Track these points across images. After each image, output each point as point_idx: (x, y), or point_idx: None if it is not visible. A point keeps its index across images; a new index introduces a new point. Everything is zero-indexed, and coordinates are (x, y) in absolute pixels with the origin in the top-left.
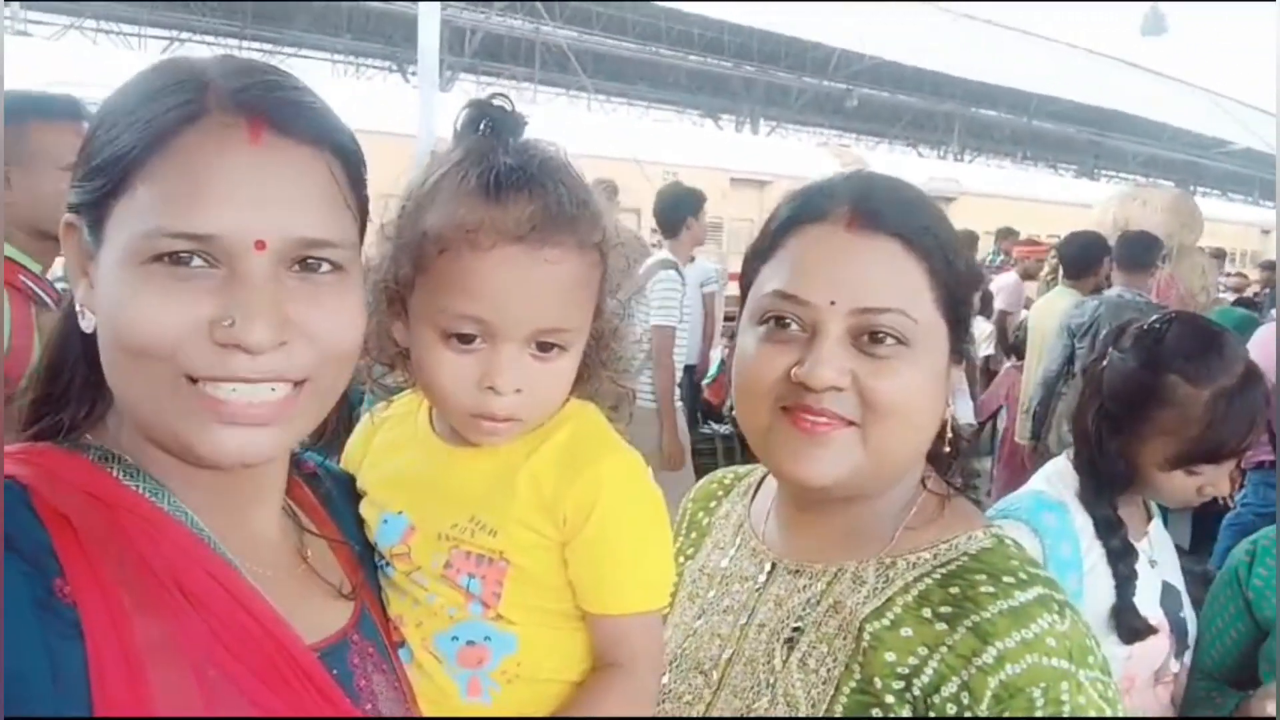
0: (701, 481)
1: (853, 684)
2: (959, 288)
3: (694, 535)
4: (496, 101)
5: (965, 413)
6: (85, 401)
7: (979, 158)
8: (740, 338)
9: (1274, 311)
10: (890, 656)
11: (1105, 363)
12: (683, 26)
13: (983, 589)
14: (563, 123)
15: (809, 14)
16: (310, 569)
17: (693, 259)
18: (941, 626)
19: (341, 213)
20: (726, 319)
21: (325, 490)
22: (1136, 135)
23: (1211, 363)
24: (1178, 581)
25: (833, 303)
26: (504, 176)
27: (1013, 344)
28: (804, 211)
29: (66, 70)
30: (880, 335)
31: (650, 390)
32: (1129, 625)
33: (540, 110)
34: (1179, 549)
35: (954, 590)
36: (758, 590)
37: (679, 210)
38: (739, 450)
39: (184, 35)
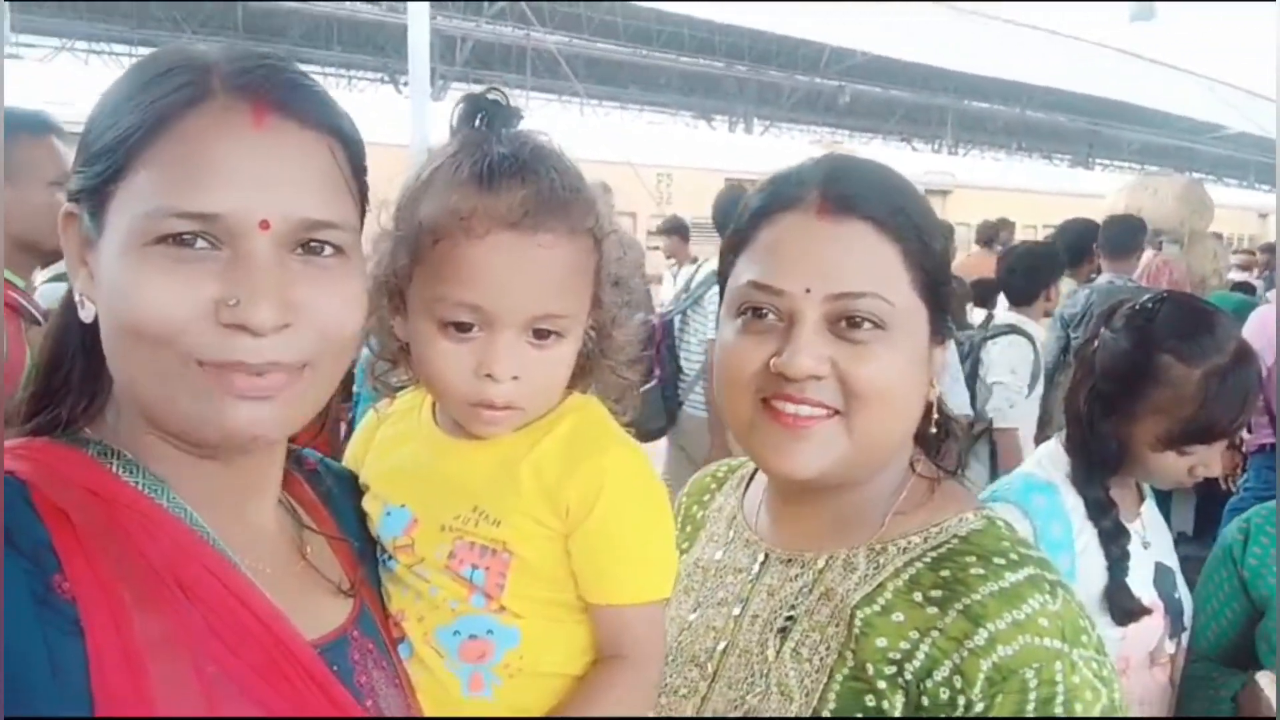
0: (696, 475)
1: (845, 671)
2: (936, 269)
3: (689, 529)
4: (491, 96)
5: (962, 405)
6: (84, 394)
7: (973, 150)
8: (720, 331)
9: (1269, 295)
10: (882, 642)
11: (1097, 343)
12: (673, 28)
13: (973, 571)
14: (556, 128)
15: (799, 12)
16: (309, 565)
17: None
18: (932, 610)
19: (344, 196)
20: None
21: (326, 488)
22: (1130, 123)
23: (1203, 341)
24: (1172, 562)
25: (808, 290)
26: (497, 164)
27: None
28: (775, 200)
29: (58, 91)
30: (857, 320)
31: (705, 401)
32: (1122, 606)
33: (533, 116)
34: (1182, 534)
35: (944, 573)
36: (751, 581)
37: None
38: None
39: None
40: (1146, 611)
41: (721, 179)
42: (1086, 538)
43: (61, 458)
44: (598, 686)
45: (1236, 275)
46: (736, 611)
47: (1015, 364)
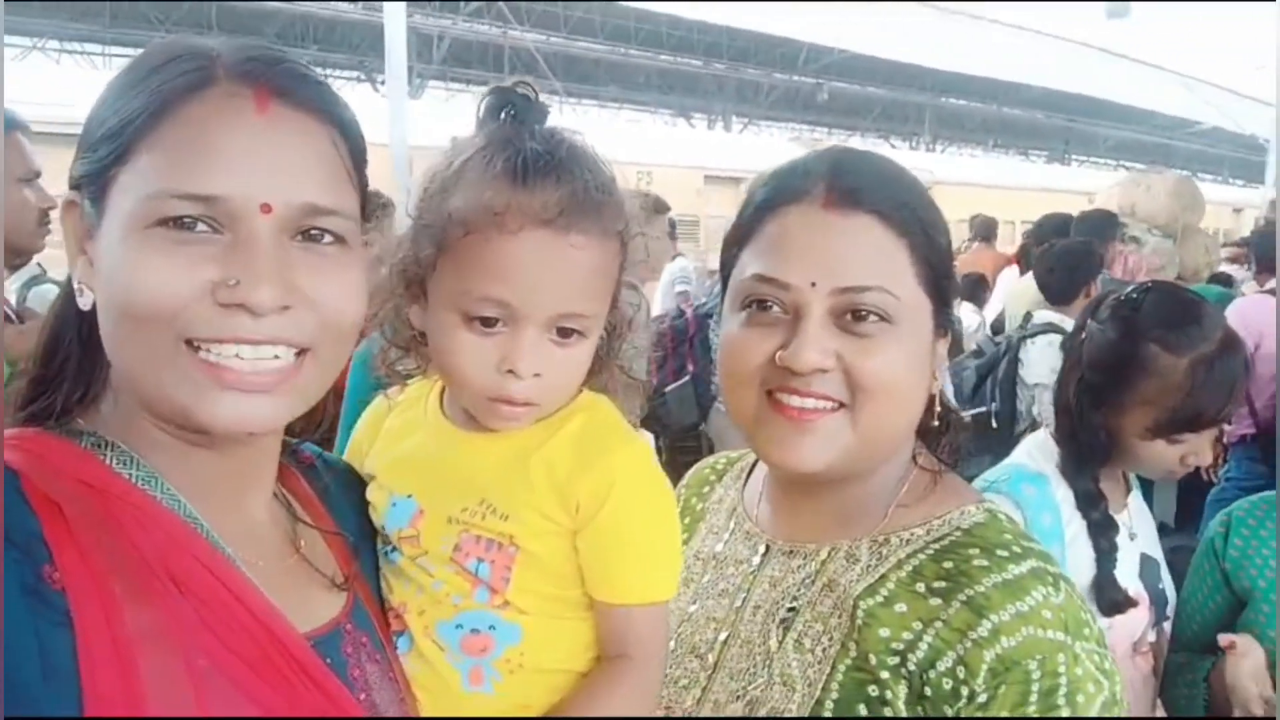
0: (695, 467)
1: (848, 662)
2: (940, 262)
3: (688, 521)
4: (520, 90)
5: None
6: (79, 383)
7: (951, 147)
8: (723, 325)
9: (1245, 286)
10: (885, 633)
11: (1084, 334)
12: (651, 26)
13: (976, 563)
14: None
15: (777, 11)
16: (303, 559)
17: None
18: (936, 601)
19: (345, 186)
20: None
21: (323, 483)
22: (1106, 119)
23: (1190, 331)
24: (1156, 553)
25: (814, 284)
26: (531, 161)
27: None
28: (780, 193)
29: (29, 90)
30: (863, 314)
31: None
32: (1110, 598)
33: None
34: (1164, 525)
35: (947, 565)
36: (752, 572)
37: None
38: None
39: None
40: (1133, 603)
41: (701, 176)
42: (1075, 528)
43: (54, 448)
44: (601, 686)
45: (1226, 268)
46: (738, 603)
47: (1055, 363)
